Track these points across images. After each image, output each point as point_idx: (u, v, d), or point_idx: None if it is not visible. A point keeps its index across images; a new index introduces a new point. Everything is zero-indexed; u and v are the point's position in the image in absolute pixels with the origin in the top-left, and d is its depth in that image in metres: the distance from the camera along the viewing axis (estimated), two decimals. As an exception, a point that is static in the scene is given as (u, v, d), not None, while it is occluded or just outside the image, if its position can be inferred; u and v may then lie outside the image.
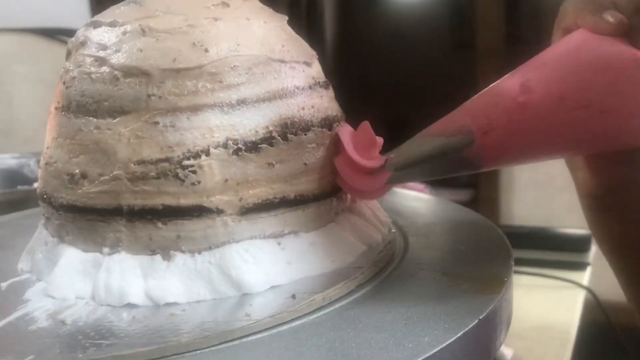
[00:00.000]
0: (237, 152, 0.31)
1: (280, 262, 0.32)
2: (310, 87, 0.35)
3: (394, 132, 0.38)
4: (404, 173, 0.32)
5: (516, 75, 0.31)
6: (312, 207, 0.34)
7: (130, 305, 0.30)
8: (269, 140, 0.32)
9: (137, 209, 0.31)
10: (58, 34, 1.12)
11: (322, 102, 0.36)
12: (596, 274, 0.81)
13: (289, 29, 0.37)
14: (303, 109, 0.34)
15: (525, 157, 0.32)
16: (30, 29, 1.17)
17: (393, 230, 0.39)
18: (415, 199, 0.51)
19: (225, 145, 0.31)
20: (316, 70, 0.37)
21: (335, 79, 0.40)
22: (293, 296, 0.30)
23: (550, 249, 0.83)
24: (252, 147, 0.32)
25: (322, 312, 0.29)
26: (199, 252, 0.31)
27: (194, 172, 0.31)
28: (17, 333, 0.28)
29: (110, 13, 0.35)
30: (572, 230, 0.86)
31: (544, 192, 1.60)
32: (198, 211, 0.31)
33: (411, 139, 0.32)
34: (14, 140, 1.05)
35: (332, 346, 0.26)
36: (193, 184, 0.31)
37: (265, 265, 0.31)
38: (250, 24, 0.34)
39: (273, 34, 0.35)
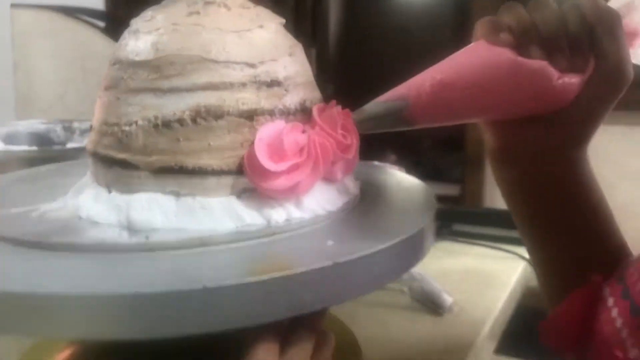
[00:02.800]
0: (156, 126, 0.42)
1: (169, 213, 0.42)
2: (242, 85, 0.43)
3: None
4: (361, 126, 0.47)
5: (439, 64, 0.47)
6: (211, 179, 0.42)
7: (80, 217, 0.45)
8: (180, 121, 0.42)
9: (100, 155, 0.45)
10: (77, 13, 1.20)
11: (254, 98, 0.43)
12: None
13: (259, 34, 0.45)
14: (224, 100, 0.43)
15: (445, 118, 0.48)
16: (51, 6, 1.23)
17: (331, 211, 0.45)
18: (370, 168, 0.61)
19: (149, 120, 0.43)
20: (263, 70, 0.44)
21: (339, 72, 0.50)
22: (146, 237, 0.40)
23: (501, 227, 1.01)
24: (167, 124, 0.42)
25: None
26: (122, 193, 0.44)
27: (127, 135, 0.43)
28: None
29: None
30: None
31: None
32: (125, 164, 0.43)
33: (367, 104, 0.47)
34: (31, 110, 1.14)
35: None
36: (125, 144, 0.43)
37: (155, 212, 0.42)
38: (202, 29, 0.44)
39: (218, 38, 0.43)
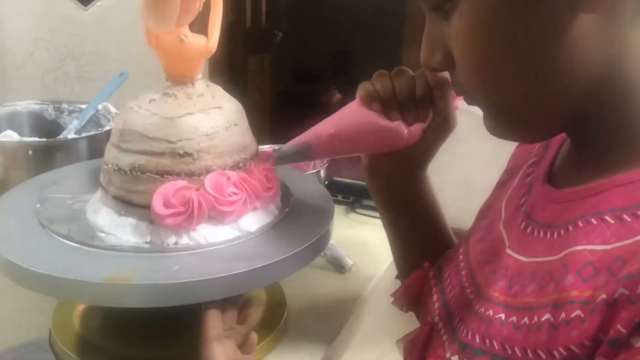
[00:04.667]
0: (115, 170, 0.70)
1: (112, 224, 0.70)
2: (162, 153, 0.68)
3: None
4: (279, 161, 0.68)
5: (332, 117, 0.66)
6: (136, 209, 0.69)
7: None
8: (124, 171, 0.69)
9: (100, 180, 0.75)
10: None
11: (169, 163, 0.68)
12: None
13: (186, 119, 0.68)
14: (149, 162, 0.68)
15: (336, 155, 0.68)
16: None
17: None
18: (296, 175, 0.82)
19: (113, 165, 0.70)
20: (179, 145, 0.68)
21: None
22: (92, 237, 0.69)
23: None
24: (119, 170, 0.70)
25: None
26: (102, 204, 0.73)
27: (107, 172, 0.72)
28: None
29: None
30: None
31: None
32: (104, 189, 0.72)
33: (283, 145, 0.67)
34: (4, 65, 1.22)
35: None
36: (105, 177, 0.72)
37: (106, 221, 0.70)
38: (150, 114, 0.69)
39: (155, 121, 0.68)
